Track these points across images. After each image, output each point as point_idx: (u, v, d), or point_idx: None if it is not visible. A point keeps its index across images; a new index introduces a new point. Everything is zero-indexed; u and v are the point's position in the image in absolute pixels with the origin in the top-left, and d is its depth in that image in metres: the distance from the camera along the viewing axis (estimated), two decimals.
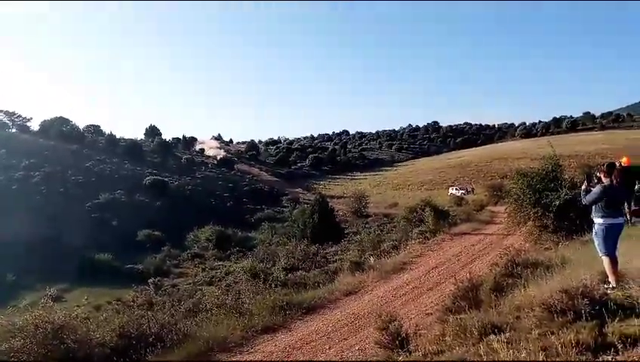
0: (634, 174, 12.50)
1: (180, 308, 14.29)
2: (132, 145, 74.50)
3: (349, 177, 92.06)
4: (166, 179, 59.52)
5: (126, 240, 37.12)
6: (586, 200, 6.58)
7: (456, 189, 53.79)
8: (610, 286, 6.08)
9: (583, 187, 6.88)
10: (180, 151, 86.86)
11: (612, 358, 3.96)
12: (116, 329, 9.55)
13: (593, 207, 6.52)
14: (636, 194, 11.62)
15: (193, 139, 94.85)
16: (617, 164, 7.55)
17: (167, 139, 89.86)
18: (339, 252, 25.34)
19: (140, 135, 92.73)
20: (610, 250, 6.29)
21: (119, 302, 21.19)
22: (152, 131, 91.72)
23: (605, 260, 6.30)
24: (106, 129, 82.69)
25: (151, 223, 41.68)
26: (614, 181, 6.40)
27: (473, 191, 51.25)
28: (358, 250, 21.71)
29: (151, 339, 9.21)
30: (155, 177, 57.89)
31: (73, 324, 9.53)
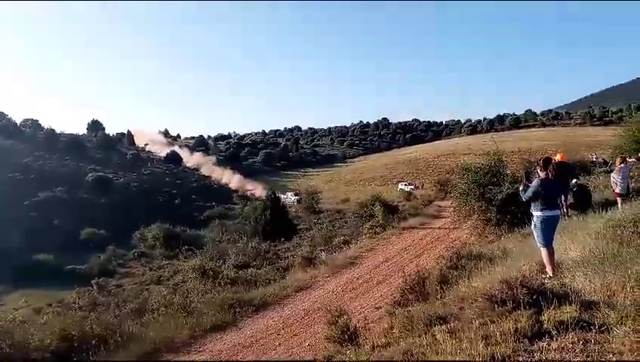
0: (570, 169, 13.22)
1: (125, 309, 13.87)
2: (73, 141, 71.20)
3: (302, 173, 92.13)
4: (110, 176, 57.36)
5: (68, 240, 35.51)
6: (525, 196, 6.80)
7: (405, 185, 54.93)
8: (548, 276, 6.36)
9: (522, 187, 7.15)
10: (125, 147, 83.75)
11: (547, 344, 4.14)
12: (57, 332, 9.14)
13: (523, 193, 6.81)
14: (572, 188, 12.27)
15: (131, 135, 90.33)
16: (553, 160, 7.92)
17: (112, 134, 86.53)
18: (291, 248, 25.31)
19: (81, 130, 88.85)
20: (548, 242, 6.58)
21: (61, 304, 20.26)
22: (95, 126, 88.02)
23: (543, 251, 6.58)
24: (45, 123, 78.62)
25: (95, 222, 40.08)
26: (550, 175, 6.70)
27: (422, 187, 52.52)
28: (310, 246, 21.79)
29: (94, 341, 8.88)
30: (98, 174, 55.66)
31: (9, 328, 9.07)
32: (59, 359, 8.48)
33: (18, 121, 74.03)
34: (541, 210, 6.60)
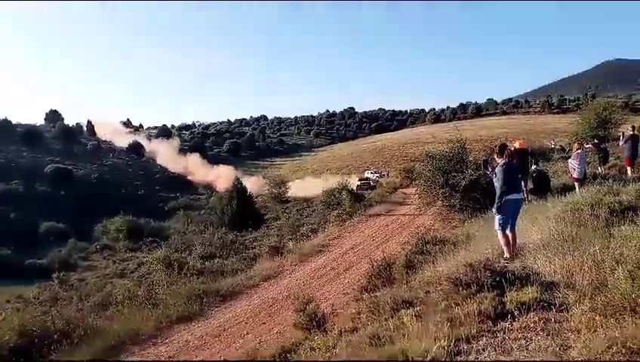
0: (529, 156, 13.58)
1: (88, 303, 13.50)
2: (30, 131, 68.38)
3: (269, 163, 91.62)
4: (70, 168, 55.49)
5: (26, 234, 34.20)
6: (501, 186, 6.80)
7: (371, 173, 55.35)
8: (504, 257, 6.54)
9: (492, 176, 7.23)
10: (86, 138, 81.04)
11: (510, 324, 4.25)
12: (15, 328, 8.80)
13: (496, 184, 6.94)
14: (531, 174, 12.64)
15: (91, 125, 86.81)
16: (513, 147, 8.12)
17: (71, 125, 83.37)
18: (258, 238, 25.19)
19: (39, 120, 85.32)
20: (509, 225, 6.76)
21: (20, 300, 19.54)
22: (53, 116, 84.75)
23: (501, 234, 6.77)
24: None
25: (54, 215, 38.78)
26: (508, 159, 6.88)
27: (387, 175, 53.04)
28: (278, 235, 21.75)
29: (56, 336, 8.60)
30: (57, 165, 53.75)
31: None
32: (18, 355, 8.18)
33: None
34: (503, 193, 6.76)
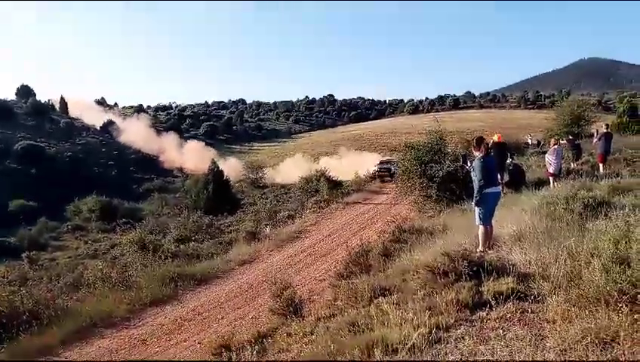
0: (507, 149, 13.79)
1: (58, 283, 13.23)
2: (1, 106, 66.02)
3: (246, 147, 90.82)
4: (42, 145, 53.91)
5: None
6: (479, 180, 6.83)
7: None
8: (479, 250, 6.63)
9: (470, 170, 7.27)
10: (58, 115, 78.72)
11: (487, 313, 4.31)
12: None
13: (474, 177, 6.99)
14: (508, 168, 12.84)
15: (64, 102, 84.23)
16: (491, 141, 8.21)
17: (44, 101, 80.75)
18: (234, 223, 25.00)
19: (10, 95, 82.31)
20: (487, 219, 6.83)
21: None
22: (25, 91, 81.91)
23: (481, 228, 6.83)
24: None
25: (25, 193, 37.67)
26: (485, 153, 6.94)
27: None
28: (254, 220, 21.62)
29: (25, 317, 8.43)
30: (28, 142, 52.13)
31: None
32: None
33: None
34: (482, 186, 6.82)
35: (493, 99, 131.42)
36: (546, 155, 13.40)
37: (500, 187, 7.22)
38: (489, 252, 6.45)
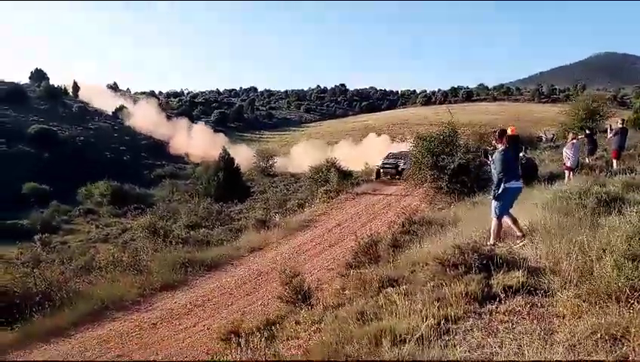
0: (521, 143, 13.67)
1: (70, 266, 13.41)
2: (14, 90, 66.61)
3: (257, 136, 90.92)
4: (55, 129, 54.41)
5: (7, 195, 33.63)
6: (498, 172, 6.73)
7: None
8: (489, 243, 6.56)
9: (490, 164, 7.15)
10: (71, 99, 79.29)
11: (496, 307, 4.31)
12: None
13: (494, 171, 6.89)
14: (521, 161, 12.74)
15: (77, 86, 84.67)
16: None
17: (57, 85, 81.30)
18: (244, 210, 25.13)
19: (23, 79, 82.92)
20: (503, 214, 6.70)
21: (1, 260, 19.33)
22: (39, 75, 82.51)
23: (496, 222, 6.73)
24: None
25: (37, 176, 38.10)
26: (506, 145, 6.84)
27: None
28: (264, 209, 21.72)
29: (38, 298, 8.58)
30: (41, 126, 52.64)
31: None
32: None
33: None
34: (503, 180, 6.67)
35: (507, 92, 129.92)
36: (564, 149, 13.29)
37: (521, 182, 7.06)
38: (499, 245, 6.42)
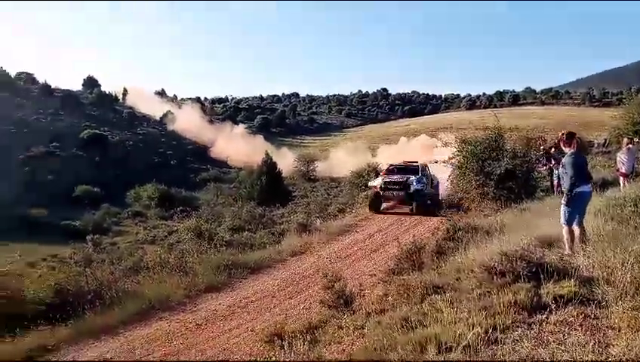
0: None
1: (120, 266, 13.90)
2: (68, 96, 70.04)
3: (298, 140, 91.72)
4: (105, 134, 56.79)
5: (61, 196, 35.35)
6: (569, 176, 6.48)
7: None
8: (565, 253, 6.25)
9: (550, 168, 6.97)
10: (121, 105, 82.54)
11: (546, 317, 4.18)
12: (52, 285, 9.21)
13: (563, 176, 6.66)
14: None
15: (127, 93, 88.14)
16: (576, 135, 7.79)
17: (108, 92, 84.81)
18: (286, 214, 25.39)
19: (77, 86, 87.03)
20: (575, 219, 6.46)
21: (55, 259, 20.31)
22: (91, 82, 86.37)
23: (566, 228, 6.48)
24: (40, 77, 76.71)
25: (89, 179, 39.88)
26: (576, 148, 6.60)
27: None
28: (305, 213, 21.86)
29: (89, 297, 8.94)
30: (93, 131, 55.06)
31: (4, 280, 9.10)
32: (54, 312, 8.56)
33: (12, 74, 72.30)
34: (574, 185, 6.45)
35: (555, 96, 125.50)
36: (618, 154, 12.73)
37: (591, 186, 6.79)
38: (574, 257, 6.13)
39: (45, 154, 45.49)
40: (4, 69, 68.74)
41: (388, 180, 17.07)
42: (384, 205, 17.21)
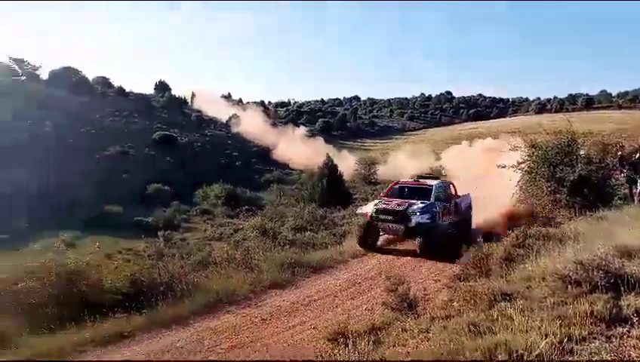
0: None
1: (189, 261, 14.53)
2: (141, 100, 74.07)
3: (359, 143, 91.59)
4: (175, 136, 59.50)
5: (135, 194, 37.31)
6: None
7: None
8: None
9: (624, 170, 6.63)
10: (190, 108, 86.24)
11: (627, 330, 3.98)
12: (128, 276, 9.81)
13: None
14: None
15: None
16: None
17: (177, 95, 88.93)
18: (346, 216, 25.43)
19: (149, 89, 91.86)
20: None
21: (130, 252, 21.51)
22: (162, 86, 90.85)
23: None
24: (116, 82, 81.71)
25: (160, 178, 41.85)
26: None
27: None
28: None
29: (162, 288, 9.44)
30: (164, 132, 57.85)
31: (85, 270, 9.78)
32: (129, 301, 9.11)
33: (90, 78, 77.39)
34: None
35: (634, 100, 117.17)
36: None
37: None
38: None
39: (120, 154, 48.31)
40: (84, 74, 73.71)
41: (382, 207, 13.00)
42: (382, 239, 13.46)
